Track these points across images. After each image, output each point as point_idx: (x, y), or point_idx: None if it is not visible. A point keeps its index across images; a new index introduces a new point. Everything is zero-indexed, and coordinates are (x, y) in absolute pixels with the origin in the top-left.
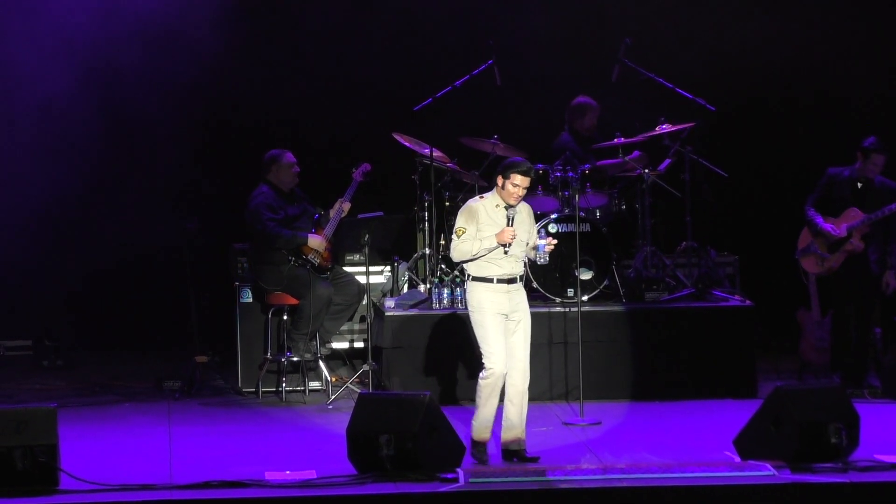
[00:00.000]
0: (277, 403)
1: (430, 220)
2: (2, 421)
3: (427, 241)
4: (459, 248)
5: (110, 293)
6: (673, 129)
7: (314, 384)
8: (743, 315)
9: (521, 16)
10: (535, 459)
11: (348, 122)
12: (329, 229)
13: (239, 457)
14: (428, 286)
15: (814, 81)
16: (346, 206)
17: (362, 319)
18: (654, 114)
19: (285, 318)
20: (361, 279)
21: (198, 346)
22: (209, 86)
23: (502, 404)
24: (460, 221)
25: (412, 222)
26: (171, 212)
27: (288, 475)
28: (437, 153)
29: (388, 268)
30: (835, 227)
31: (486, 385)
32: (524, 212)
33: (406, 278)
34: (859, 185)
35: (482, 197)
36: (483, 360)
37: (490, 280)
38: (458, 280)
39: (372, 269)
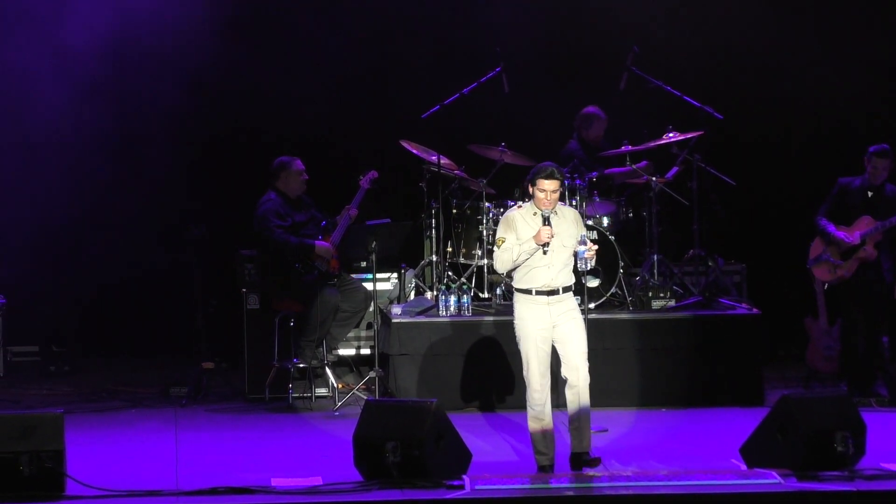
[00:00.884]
0: (284, 410)
1: (437, 228)
2: (9, 426)
3: (434, 249)
4: (500, 258)
5: (118, 299)
6: (681, 137)
7: (321, 391)
8: (750, 323)
9: (529, 23)
10: (594, 462)
11: (356, 130)
12: (336, 236)
13: (245, 463)
14: (435, 293)
15: (824, 90)
16: (354, 214)
17: (369, 326)
18: (661, 122)
19: (292, 324)
20: (368, 286)
21: (205, 352)
22: (217, 93)
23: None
24: (500, 232)
25: (419, 229)
26: (179, 218)
27: (294, 481)
28: (444, 160)
29: (395, 275)
30: (848, 235)
31: (529, 409)
32: (570, 217)
33: (413, 285)
34: (870, 193)
35: (520, 206)
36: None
37: (529, 292)
38: (465, 287)
39: (379, 276)
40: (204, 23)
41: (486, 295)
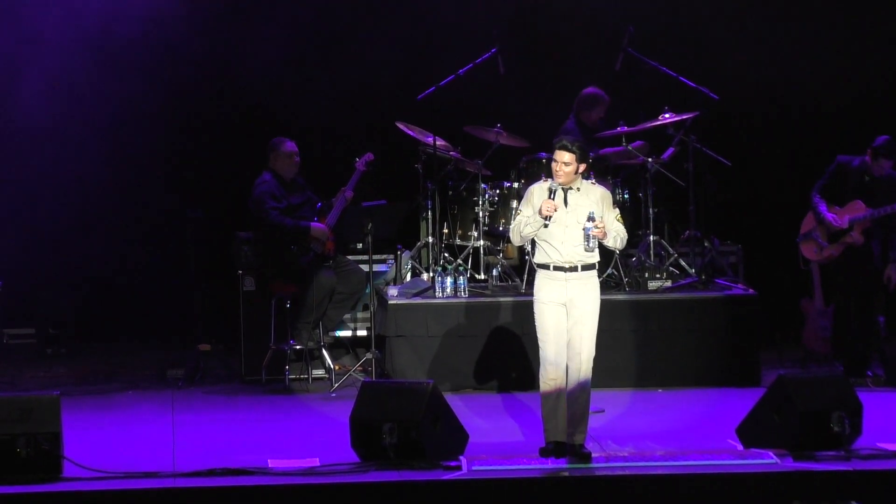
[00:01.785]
0: (281, 392)
1: (433, 209)
2: (6, 409)
3: (430, 230)
4: (513, 228)
5: (115, 282)
6: (676, 118)
7: (317, 372)
8: (746, 304)
9: (525, 4)
10: (585, 457)
11: (351, 112)
12: (332, 218)
13: (242, 444)
14: (431, 275)
15: (819, 70)
16: (350, 196)
17: (365, 308)
18: (657, 103)
19: (288, 306)
20: (364, 268)
21: (201, 334)
22: (213, 75)
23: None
24: (521, 205)
25: (415, 211)
26: (175, 201)
27: (291, 463)
28: (440, 142)
29: (392, 256)
30: (836, 218)
31: (542, 384)
32: (594, 195)
33: (409, 267)
34: (867, 178)
35: (545, 180)
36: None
37: (547, 267)
38: (461, 269)
39: (375, 257)
40: (203, 7)
41: (482, 276)
